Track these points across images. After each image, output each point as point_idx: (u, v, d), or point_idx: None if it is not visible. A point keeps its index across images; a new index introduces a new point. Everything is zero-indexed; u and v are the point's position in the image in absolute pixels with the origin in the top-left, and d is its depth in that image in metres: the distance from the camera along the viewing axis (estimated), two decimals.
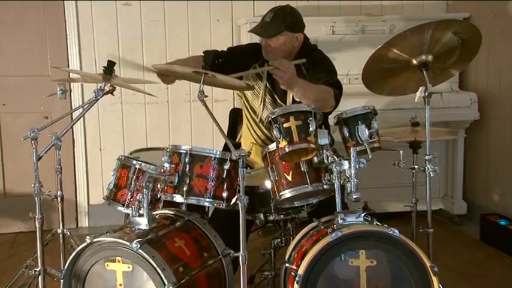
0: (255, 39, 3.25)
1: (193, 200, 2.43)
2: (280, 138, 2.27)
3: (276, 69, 2.54)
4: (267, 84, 3.00)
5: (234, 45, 4.28)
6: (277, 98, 2.97)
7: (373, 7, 4.51)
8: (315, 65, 2.88)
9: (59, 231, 2.77)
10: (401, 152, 2.68)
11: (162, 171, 2.44)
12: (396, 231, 2.13)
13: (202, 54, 3.06)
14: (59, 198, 2.71)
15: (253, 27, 2.98)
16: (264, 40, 2.93)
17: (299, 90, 2.60)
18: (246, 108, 3.10)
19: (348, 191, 2.23)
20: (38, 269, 2.37)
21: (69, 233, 2.84)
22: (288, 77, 2.52)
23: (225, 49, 3.16)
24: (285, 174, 2.38)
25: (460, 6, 4.46)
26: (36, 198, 2.36)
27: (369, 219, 2.27)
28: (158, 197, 2.54)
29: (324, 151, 2.28)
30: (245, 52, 3.10)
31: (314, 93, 2.61)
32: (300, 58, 2.89)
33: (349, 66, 3.92)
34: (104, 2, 4.25)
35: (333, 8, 4.47)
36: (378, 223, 2.25)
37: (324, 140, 2.29)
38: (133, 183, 2.67)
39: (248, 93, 3.06)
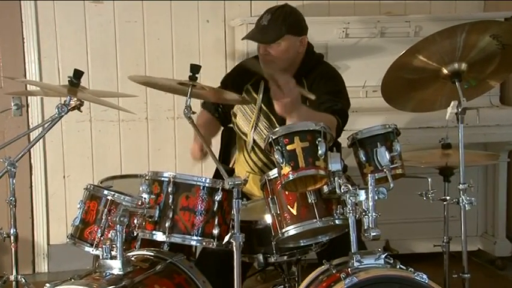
0: (253, 45, 3.27)
1: (177, 238, 2.43)
2: (282, 163, 2.28)
3: (277, 87, 2.53)
4: (262, 103, 3.01)
5: (228, 50, 4.34)
6: (273, 118, 2.98)
7: (395, 5, 4.57)
8: (320, 82, 2.88)
9: (12, 277, 2.76)
10: (429, 179, 2.70)
11: (140, 203, 2.44)
12: (425, 276, 2.14)
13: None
14: (12, 238, 2.71)
15: (248, 33, 3.01)
16: (262, 47, 2.95)
17: (298, 119, 2.59)
18: (237, 131, 3.13)
19: (365, 227, 2.24)
20: None
21: (24, 280, 2.83)
22: (287, 101, 2.51)
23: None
24: (289, 207, 2.39)
25: (500, 4, 4.51)
26: None
27: (391, 261, 2.27)
28: (135, 234, 2.54)
29: (336, 179, 2.28)
30: (235, 77, 3.16)
31: None
32: (304, 71, 2.91)
33: (365, 76, 3.95)
34: None
35: (347, 6, 4.53)
36: (402, 266, 2.25)
37: (335, 166, 2.30)
38: (104, 218, 2.67)
39: (238, 111, 3.08)
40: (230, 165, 3.28)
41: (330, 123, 2.66)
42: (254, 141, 3.02)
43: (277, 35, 2.89)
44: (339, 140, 2.88)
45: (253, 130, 3.02)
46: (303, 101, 2.68)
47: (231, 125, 3.25)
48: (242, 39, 3.07)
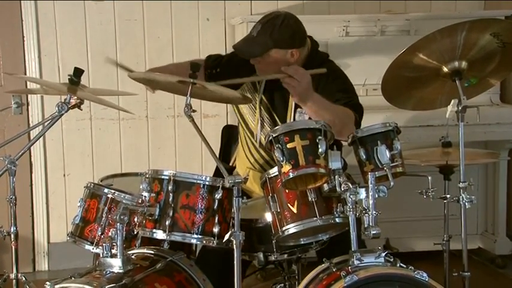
0: None
1: (177, 237, 2.44)
2: (283, 161, 2.28)
3: (288, 77, 2.54)
4: (263, 98, 3.01)
5: (228, 49, 4.34)
6: (275, 115, 2.98)
7: (395, 4, 4.57)
8: (329, 80, 2.85)
9: (12, 276, 2.76)
10: (429, 178, 2.70)
11: (140, 201, 2.45)
12: (425, 275, 2.14)
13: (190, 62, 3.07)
14: (12, 236, 2.71)
15: (237, 43, 2.98)
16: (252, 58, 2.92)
17: (313, 106, 2.60)
18: (242, 126, 3.12)
19: (365, 225, 2.24)
20: None
21: (24, 279, 2.82)
22: (302, 88, 2.52)
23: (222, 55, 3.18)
24: (289, 205, 2.39)
25: (501, 2, 4.51)
26: None
27: (391, 260, 2.28)
28: (135, 233, 2.55)
29: (336, 177, 2.29)
30: (240, 64, 3.11)
31: (332, 113, 2.59)
32: (308, 68, 2.89)
33: (366, 74, 3.95)
34: None
35: (347, 4, 4.53)
36: (402, 265, 2.26)
37: (336, 164, 2.30)
38: (104, 216, 2.68)
39: (243, 108, 3.08)
40: (230, 164, 3.28)
41: (347, 116, 2.67)
42: (260, 142, 3.01)
43: (261, 50, 2.83)
44: None
45: (259, 124, 3.02)
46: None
47: (233, 123, 3.25)
48: (232, 46, 3.04)
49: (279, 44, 2.83)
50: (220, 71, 3.10)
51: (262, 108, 3.01)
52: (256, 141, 3.03)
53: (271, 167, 2.53)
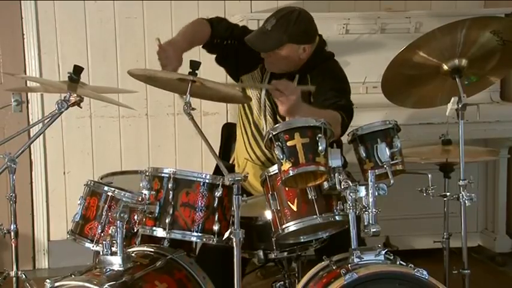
0: None
1: (177, 235, 2.44)
2: (283, 159, 2.28)
3: (278, 91, 2.54)
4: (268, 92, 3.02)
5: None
6: (276, 110, 2.99)
7: (395, 2, 4.56)
8: (324, 78, 2.87)
9: (12, 273, 2.76)
10: (429, 176, 2.70)
11: (140, 199, 2.45)
12: (425, 272, 2.14)
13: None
14: (12, 234, 2.71)
15: (249, 35, 2.96)
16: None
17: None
18: (246, 120, 3.11)
19: (365, 223, 2.24)
20: None
21: (24, 276, 2.83)
22: (290, 104, 2.53)
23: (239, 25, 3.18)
24: (289, 203, 2.39)
25: (501, 1, 4.51)
26: None
27: (391, 257, 2.28)
28: (135, 230, 2.55)
29: (336, 175, 2.29)
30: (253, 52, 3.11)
31: None
32: (309, 67, 2.90)
33: (366, 72, 3.96)
34: None
35: (347, 2, 4.53)
36: (402, 263, 2.26)
37: (335, 162, 2.30)
38: (104, 214, 2.68)
39: (253, 100, 3.08)
40: (230, 162, 3.28)
41: (333, 119, 2.66)
42: (261, 133, 3.01)
43: (276, 44, 2.86)
44: None
45: (263, 117, 3.02)
46: (307, 97, 2.68)
47: (233, 121, 3.24)
48: (245, 39, 3.04)
49: (293, 39, 2.87)
50: (234, 43, 3.06)
51: (266, 99, 3.01)
52: (264, 132, 3.03)
53: (273, 164, 2.53)
